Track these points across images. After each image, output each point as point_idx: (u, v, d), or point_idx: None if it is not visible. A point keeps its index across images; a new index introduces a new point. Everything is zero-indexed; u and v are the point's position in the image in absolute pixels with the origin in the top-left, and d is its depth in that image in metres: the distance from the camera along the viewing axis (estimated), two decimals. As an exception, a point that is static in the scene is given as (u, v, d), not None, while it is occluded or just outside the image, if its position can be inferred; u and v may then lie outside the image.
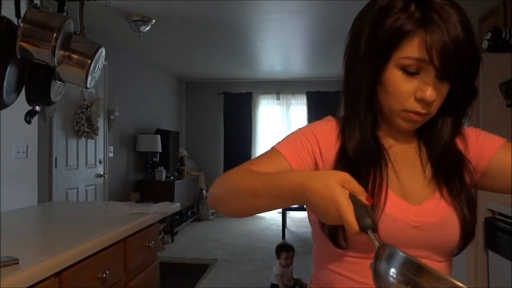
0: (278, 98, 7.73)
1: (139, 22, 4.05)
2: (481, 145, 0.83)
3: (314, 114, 7.32)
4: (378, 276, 0.57)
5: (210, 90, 7.79)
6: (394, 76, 0.73)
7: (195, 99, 7.86)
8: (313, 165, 0.80)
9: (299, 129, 0.85)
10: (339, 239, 0.75)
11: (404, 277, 0.53)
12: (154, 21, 4.10)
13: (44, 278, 1.14)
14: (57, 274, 1.21)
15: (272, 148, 0.82)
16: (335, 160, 0.80)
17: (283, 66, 6.64)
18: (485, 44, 2.88)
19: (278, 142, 0.82)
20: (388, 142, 0.82)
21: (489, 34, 2.85)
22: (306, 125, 0.86)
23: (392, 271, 0.55)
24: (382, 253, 0.57)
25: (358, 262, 0.76)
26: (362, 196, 0.60)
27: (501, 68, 2.59)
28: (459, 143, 0.82)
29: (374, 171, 0.76)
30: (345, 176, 0.61)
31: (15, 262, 1.09)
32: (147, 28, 4.13)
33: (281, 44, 5.24)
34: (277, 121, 7.75)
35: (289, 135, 0.84)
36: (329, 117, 0.87)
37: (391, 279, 0.54)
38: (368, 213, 0.58)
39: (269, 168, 0.76)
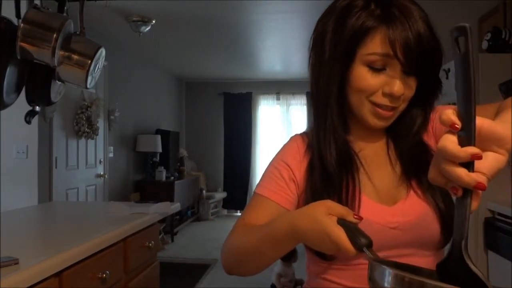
0: (278, 99, 7.72)
1: (139, 22, 4.06)
2: (434, 122, 0.83)
3: (314, 114, 7.30)
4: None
5: (210, 90, 7.79)
6: (361, 73, 0.74)
7: (195, 99, 7.86)
8: (296, 189, 0.82)
9: (270, 163, 0.87)
10: (324, 253, 0.75)
11: None
12: (154, 21, 4.10)
13: (44, 278, 1.14)
14: (57, 274, 1.21)
15: (255, 194, 0.83)
16: (306, 175, 0.81)
17: (283, 66, 6.64)
18: (484, 45, 2.88)
19: (258, 185, 0.84)
20: (359, 145, 0.83)
21: (489, 35, 2.85)
22: (276, 154, 0.87)
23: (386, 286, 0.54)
24: (372, 269, 0.56)
25: (346, 268, 0.77)
26: (350, 217, 0.61)
27: (501, 68, 2.60)
28: (424, 135, 0.83)
29: (346, 178, 0.77)
30: (328, 203, 0.63)
31: (15, 262, 1.09)
32: (147, 28, 4.13)
33: (281, 44, 5.24)
34: (277, 122, 7.74)
35: (264, 173, 0.86)
36: (295, 136, 0.89)
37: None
38: (360, 232, 0.59)
39: (261, 216, 0.78)
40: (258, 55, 5.86)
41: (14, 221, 1.84)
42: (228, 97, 7.75)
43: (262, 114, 7.80)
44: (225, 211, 7.77)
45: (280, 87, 7.63)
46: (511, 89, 2.54)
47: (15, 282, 1.02)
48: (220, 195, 7.54)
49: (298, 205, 0.82)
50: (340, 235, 0.58)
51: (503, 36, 2.78)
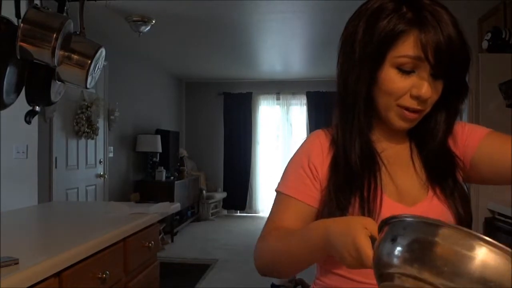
0: (278, 99, 7.71)
1: (139, 22, 4.05)
2: (466, 137, 0.84)
3: (314, 114, 7.29)
4: (379, 263, 0.52)
5: (210, 90, 7.79)
6: (390, 75, 0.75)
7: (195, 99, 7.86)
8: (320, 186, 0.82)
9: (293, 159, 0.86)
10: None
11: (412, 253, 0.47)
12: (154, 21, 4.10)
13: (44, 278, 1.14)
14: (57, 274, 1.21)
15: (279, 193, 0.84)
16: (329, 171, 0.81)
17: (283, 66, 6.63)
18: (485, 44, 2.87)
19: (282, 184, 0.85)
20: (381, 145, 0.84)
21: (489, 34, 2.85)
22: (298, 151, 0.87)
23: (398, 250, 0.49)
24: (382, 235, 0.54)
25: None
26: None
27: (501, 68, 2.59)
28: (449, 140, 0.84)
29: (368, 176, 0.78)
30: (368, 220, 0.63)
31: (15, 262, 1.09)
32: (147, 28, 4.13)
33: (281, 44, 5.24)
34: (277, 122, 7.73)
35: (287, 171, 0.86)
36: (317, 132, 0.89)
37: (395, 260, 0.49)
38: None
39: (291, 218, 0.80)
40: (258, 55, 5.86)
41: (14, 221, 1.84)
42: (228, 97, 7.75)
43: (262, 114, 7.79)
44: (225, 211, 7.76)
45: (280, 87, 7.63)
46: (511, 89, 2.54)
47: (15, 282, 1.02)
48: (220, 195, 7.54)
49: (319, 201, 0.83)
50: (365, 243, 0.59)
51: (503, 36, 2.77)
